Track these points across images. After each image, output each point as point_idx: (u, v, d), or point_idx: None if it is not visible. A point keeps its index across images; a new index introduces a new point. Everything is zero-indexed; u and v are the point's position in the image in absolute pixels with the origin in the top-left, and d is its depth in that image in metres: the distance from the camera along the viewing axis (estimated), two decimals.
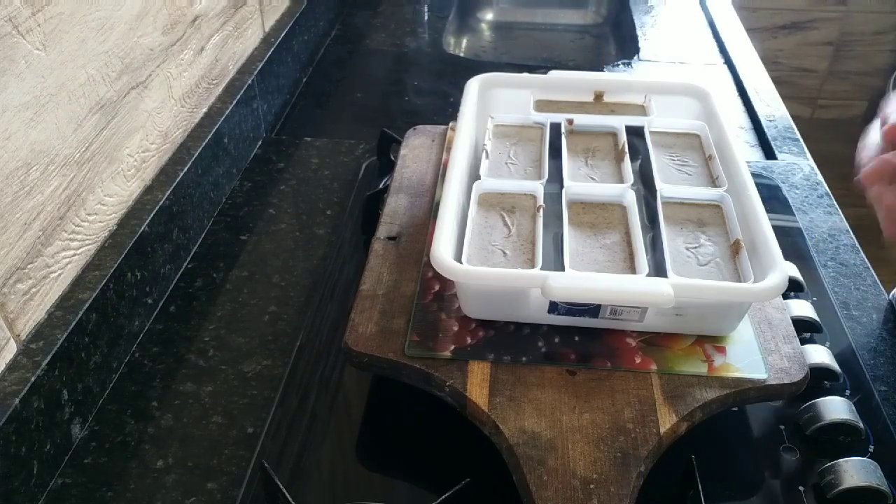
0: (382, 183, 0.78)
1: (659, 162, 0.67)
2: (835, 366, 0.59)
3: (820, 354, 0.60)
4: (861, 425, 0.55)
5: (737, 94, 1.07)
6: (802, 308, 0.64)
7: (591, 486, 0.46)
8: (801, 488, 0.53)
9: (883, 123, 0.59)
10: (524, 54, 1.41)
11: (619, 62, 1.16)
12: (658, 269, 0.56)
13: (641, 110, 0.75)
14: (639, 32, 1.24)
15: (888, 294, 0.71)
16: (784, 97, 1.04)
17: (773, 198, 0.82)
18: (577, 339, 0.56)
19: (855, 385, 0.61)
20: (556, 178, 0.65)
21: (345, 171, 0.88)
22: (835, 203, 0.82)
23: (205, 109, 0.81)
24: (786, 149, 0.92)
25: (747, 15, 1.56)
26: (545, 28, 1.47)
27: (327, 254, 0.76)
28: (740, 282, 0.55)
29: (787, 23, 1.88)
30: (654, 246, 0.59)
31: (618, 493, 0.46)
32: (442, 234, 0.55)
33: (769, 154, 0.92)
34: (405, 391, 0.55)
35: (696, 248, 0.58)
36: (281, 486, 0.49)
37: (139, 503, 0.53)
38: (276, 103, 0.99)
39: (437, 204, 0.63)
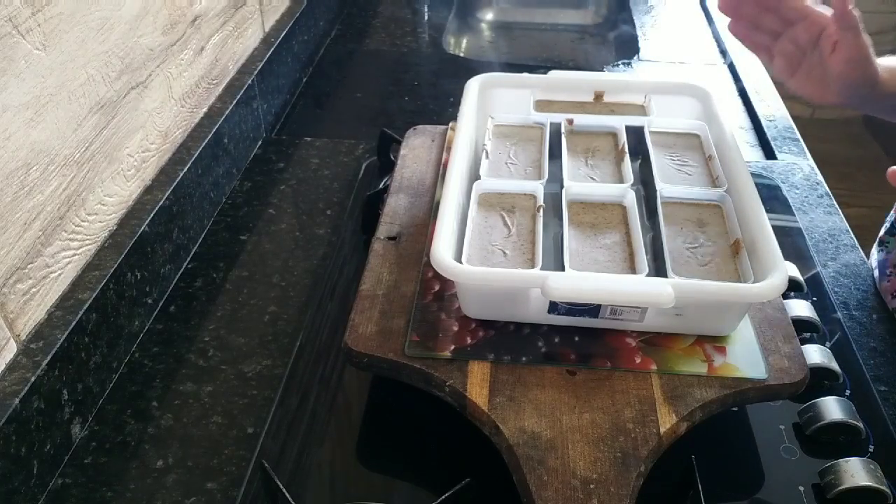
0: (382, 183, 0.78)
1: (659, 162, 0.67)
2: (835, 366, 0.59)
3: (820, 354, 0.60)
4: (861, 425, 0.55)
5: (737, 94, 1.07)
6: (802, 308, 0.64)
7: (591, 486, 0.46)
8: (801, 488, 0.53)
9: None
10: (524, 54, 1.41)
11: (619, 62, 1.16)
12: (658, 269, 0.56)
13: (641, 110, 0.75)
14: (639, 32, 1.24)
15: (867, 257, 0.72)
16: (784, 97, 1.04)
17: (773, 198, 0.82)
18: (577, 339, 0.56)
19: (855, 385, 0.61)
20: (556, 178, 0.65)
21: (345, 171, 0.88)
22: (835, 203, 0.82)
23: (205, 109, 0.81)
24: (786, 149, 0.92)
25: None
26: (545, 28, 1.47)
27: (327, 254, 0.76)
28: (740, 282, 0.55)
29: None
30: (654, 246, 0.59)
31: (618, 493, 0.46)
32: (442, 234, 0.55)
33: (769, 154, 0.92)
34: (405, 391, 0.55)
35: (696, 248, 0.58)
36: (281, 486, 0.49)
37: (139, 503, 0.53)
38: (276, 103, 0.99)
39: (437, 204, 0.63)
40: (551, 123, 0.72)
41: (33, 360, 0.53)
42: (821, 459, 0.54)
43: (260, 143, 0.93)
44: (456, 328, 0.56)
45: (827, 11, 0.61)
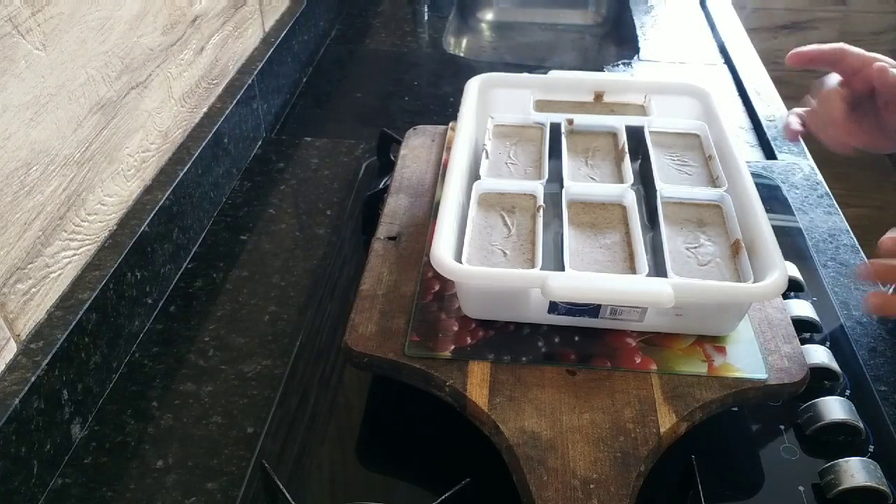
0: (382, 183, 0.78)
1: (659, 162, 0.67)
2: (835, 366, 0.59)
3: (820, 354, 0.60)
4: (861, 425, 0.55)
5: (737, 94, 1.07)
6: (802, 308, 0.64)
7: (591, 486, 0.46)
8: (801, 488, 0.53)
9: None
10: (524, 54, 1.41)
11: (619, 62, 1.16)
12: (658, 269, 0.56)
13: (641, 110, 0.75)
14: (639, 32, 1.24)
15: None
16: (784, 97, 1.04)
17: (773, 198, 0.82)
18: (577, 339, 0.56)
19: (855, 385, 0.61)
20: (556, 178, 0.65)
21: (345, 171, 0.88)
22: (835, 203, 0.82)
23: (205, 109, 0.81)
24: (786, 149, 0.92)
25: (747, 15, 1.56)
26: (545, 28, 1.47)
27: (327, 254, 0.76)
28: (740, 282, 0.55)
29: (787, 23, 1.88)
30: (654, 246, 0.59)
31: (618, 493, 0.46)
32: (442, 234, 0.55)
33: (769, 154, 0.92)
34: (405, 391, 0.55)
35: (696, 248, 0.58)
36: (281, 486, 0.49)
37: (139, 503, 0.53)
38: (276, 103, 0.99)
39: (437, 204, 0.63)
40: (551, 123, 0.72)
41: (33, 360, 0.53)
42: (821, 459, 0.54)
43: (260, 143, 0.93)
44: (456, 328, 0.56)
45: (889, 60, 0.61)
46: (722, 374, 0.53)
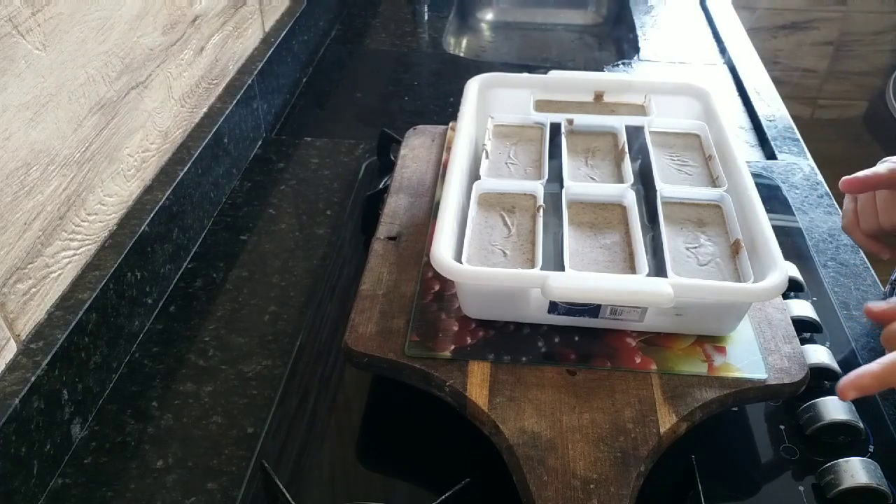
0: (382, 183, 0.78)
1: (659, 162, 0.67)
2: (835, 366, 0.59)
3: (820, 354, 0.60)
4: (861, 425, 0.55)
5: (737, 94, 1.07)
6: (802, 308, 0.64)
7: (591, 486, 0.46)
8: (801, 488, 0.53)
9: None
10: (524, 54, 1.41)
11: (619, 62, 1.16)
12: (658, 269, 0.56)
13: (641, 110, 0.75)
14: (639, 32, 1.24)
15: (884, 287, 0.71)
16: (784, 97, 1.04)
17: (773, 198, 0.82)
18: (577, 339, 0.56)
19: None
20: (556, 178, 0.65)
21: (345, 171, 0.88)
22: (835, 203, 0.82)
23: (205, 109, 0.81)
24: (786, 149, 0.92)
25: (747, 15, 1.56)
26: (545, 28, 1.47)
27: (327, 254, 0.76)
28: (740, 282, 0.55)
29: (787, 23, 1.88)
30: (654, 246, 0.59)
31: (618, 493, 0.46)
32: (442, 234, 0.55)
33: (769, 154, 0.92)
34: (405, 391, 0.55)
35: (696, 248, 0.58)
36: (281, 486, 0.49)
37: (139, 503, 0.53)
38: (276, 103, 0.99)
39: (437, 204, 0.63)
40: (551, 123, 0.72)
41: (33, 360, 0.53)
42: (821, 459, 0.54)
43: (260, 143, 0.93)
44: (456, 328, 0.56)
45: None
46: (722, 374, 0.53)
